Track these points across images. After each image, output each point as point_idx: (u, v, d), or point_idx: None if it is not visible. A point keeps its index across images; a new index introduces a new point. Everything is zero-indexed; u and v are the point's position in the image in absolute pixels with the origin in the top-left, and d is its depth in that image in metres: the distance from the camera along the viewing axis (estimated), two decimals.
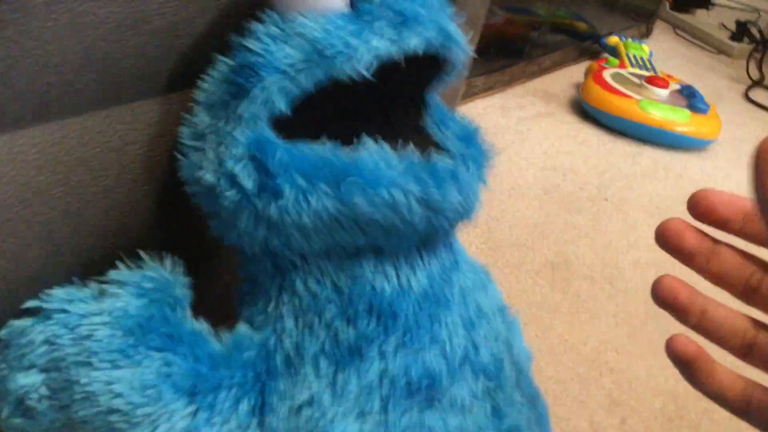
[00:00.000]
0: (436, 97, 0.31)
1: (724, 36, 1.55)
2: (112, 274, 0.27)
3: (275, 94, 0.24)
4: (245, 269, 0.30)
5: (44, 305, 0.26)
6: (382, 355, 0.27)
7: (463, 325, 0.29)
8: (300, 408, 0.26)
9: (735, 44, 1.52)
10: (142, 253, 0.28)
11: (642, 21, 1.43)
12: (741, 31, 1.53)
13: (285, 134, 0.25)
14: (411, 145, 0.26)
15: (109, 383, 0.25)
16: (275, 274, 0.28)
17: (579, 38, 1.20)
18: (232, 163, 0.25)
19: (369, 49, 0.24)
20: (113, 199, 0.30)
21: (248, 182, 0.25)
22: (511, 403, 0.29)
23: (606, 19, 1.27)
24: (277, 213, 0.25)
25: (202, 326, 0.28)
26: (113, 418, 0.25)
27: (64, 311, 0.26)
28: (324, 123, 0.26)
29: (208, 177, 0.26)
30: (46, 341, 0.25)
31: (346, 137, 0.26)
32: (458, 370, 0.28)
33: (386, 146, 0.25)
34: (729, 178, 0.96)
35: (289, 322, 0.28)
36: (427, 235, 0.27)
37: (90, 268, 0.29)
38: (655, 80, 1.03)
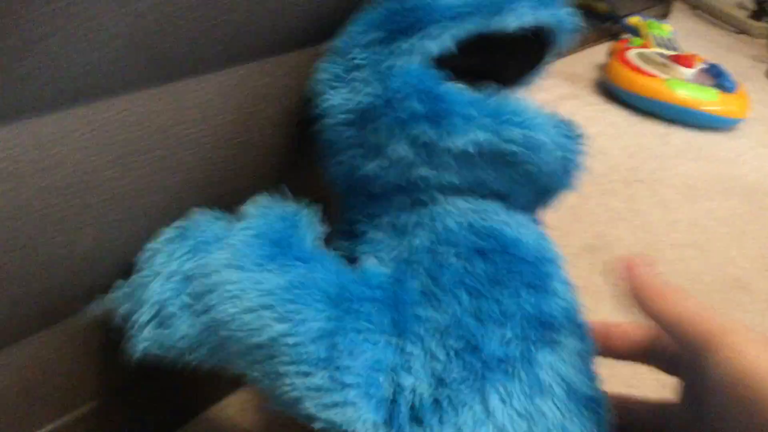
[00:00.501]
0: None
1: (743, 15, 1.52)
2: (251, 206, 0.28)
3: (443, 35, 0.27)
4: (364, 211, 0.31)
5: (186, 225, 0.28)
6: (516, 293, 0.27)
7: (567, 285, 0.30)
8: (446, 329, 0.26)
9: (755, 23, 1.49)
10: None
11: (660, 1, 1.40)
12: (761, 10, 1.49)
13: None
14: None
15: (258, 282, 0.25)
16: (411, 209, 0.29)
17: (599, 19, 1.17)
18: (400, 84, 0.26)
19: (530, 11, 0.27)
20: (166, 180, 0.28)
21: (417, 105, 0.26)
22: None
23: (624, 1, 1.25)
24: (438, 136, 0.26)
25: (336, 257, 0.28)
26: (264, 313, 0.24)
27: (206, 231, 0.27)
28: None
29: (365, 99, 0.27)
30: (193, 249, 0.26)
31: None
32: (573, 322, 0.28)
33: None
34: (760, 158, 0.94)
35: (425, 257, 0.28)
36: (543, 195, 0.30)
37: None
38: (681, 59, 1.01)
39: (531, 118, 0.26)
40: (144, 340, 0.26)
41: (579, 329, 0.28)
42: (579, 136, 0.29)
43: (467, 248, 0.27)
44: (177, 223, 0.28)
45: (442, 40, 0.26)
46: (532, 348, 0.26)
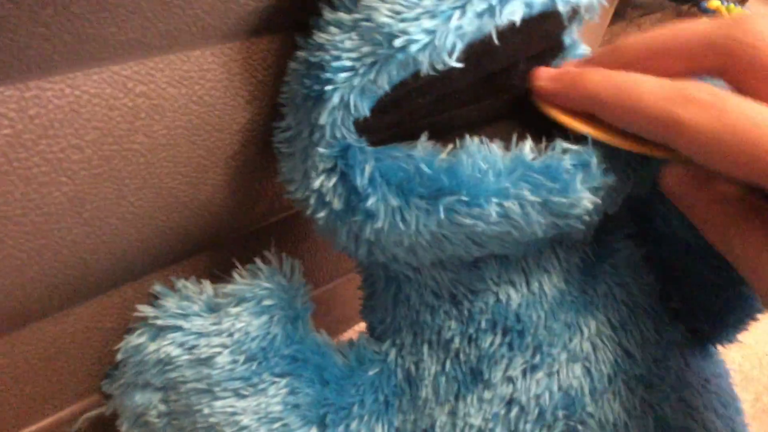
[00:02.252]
0: (574, 41, 0.25)
1: None
2: (229, 288, 0.26)
3: (351, 96, 0.20)
4: (362, 273, 0.28)
5: (158, 322, 0.25)
6: (509, 379, 0.23)
7: (612, 328, 0.24)
8: None
9: None
10: (258, 262, 0.26)
11: None
12: None
13: (373, 136, 0.21)
14: (527, 139, 0.20)
15: (233, 414, 0.24)
16: (388, 285, 0.26)
17: (678, 1, 1.13)
18: (318, 181, 0.22)
19: (450, 32, 0.19)
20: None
21: (337, 203, 0.21)
22: (674, 407, 0.24)
23: None
24: (373, 234, 0.21)
25: (323, 338, 0.27)
26: None
27: (179, 328, 0.25)
28: (421, 111, 0.22)
29: (298, 194, 0.23)
30: (160, 361, 0.25)
31: (448, 128, 0.22)
32: (608, 387, 0.23)
33: (491, 146, 0.20)
34: None
35: (408, 338, 0.25)
36: (561, 236, 0.23)
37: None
38: None
39: (478, 186, 0.20)
40: None
41: (627, 383, 0.24)
42: (561, 172, 0.21)
43: (452, 332, 0.25)
44: (150, 312, 0.26)
45: (355, 103, 0.20)
46: None
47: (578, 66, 0.21)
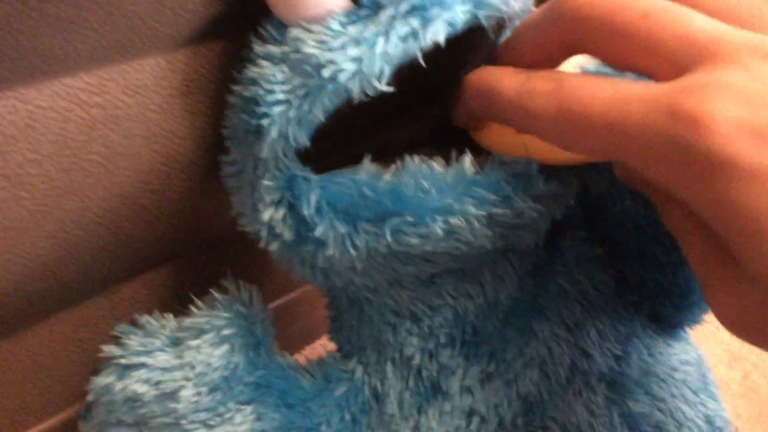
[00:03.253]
0: None
1: None
2: (188, 321, 0.26)
3: (289, 128, 0.20)
4: (327, 296, 0.28)
5: (122, 361, 0.25)
6: (467, 390, 0.24)
7: (566, 329, 0.24)
8: None
9: None
10: (213, 292, 0.26)
11: None
12: None
13: (318, 164, 0.22)
14: (467, 153, 0.20)
15: None
16: (351, 306, 0.26)
17: None
18: (267, 214, 0.22)
19: (376, 58, 0.19)
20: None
21: (287, 234, 0.22)
22: (640, 400, 0.25)
23: None
24: (326, 262, 0.22)
25: (287, 360, 0.27)
26: None
27: (144, 365, 0.25)
28: (362, 134, 0.22)
29: (250, 227, 0.23)
30: (129, 399, 0.25)
31: (391, 148, 0.22)
32: (567, 388, 0.24)
33: (431, 164, 0.20)
34: None
35: (372, 356, 0.26)
36: (512, 244, 0.22)
37: None
38: None
39: (421, 205, 0.20)
40: None
41: (586, 381, 0.24)
42: (502, 184, 0.20)
43: (413, 348, 0.25)
44: (115, 352, 0.26)
45: (293, 134, 0.20)
46: None
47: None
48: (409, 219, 0.20)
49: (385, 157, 0.21)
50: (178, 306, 0.31)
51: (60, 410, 0.33)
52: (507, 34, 0.23)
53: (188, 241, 0.31)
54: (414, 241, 0.20)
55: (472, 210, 0.19)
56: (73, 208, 0.24)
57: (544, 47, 0.18)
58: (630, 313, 0.25)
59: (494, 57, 0.21)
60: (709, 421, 0.25)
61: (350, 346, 0.27)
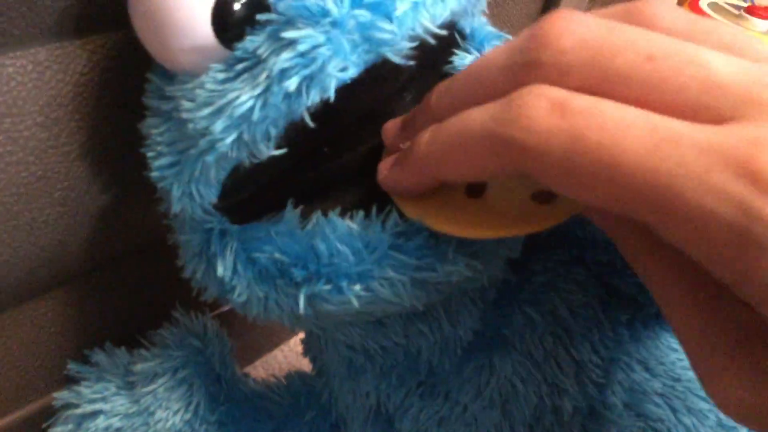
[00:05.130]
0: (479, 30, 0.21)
1: None
2: (139, 367, 0.25)
3: (191, 187, 0.18)
4: None
5: (77, 410, 0.25)
6: (424, 431, 0.22)
7: (533, 365, 0.21)
8: None
9: None
10: (162, 330, 0.26)
11: None
12: None
13: (238, 212, 0.19)
14: (391, 207, 0.18)
15: None
16: (312, 334, 0.25)
17: None
18: (190, 268, 0.21)
19: (255, 125, 0.16)
20: None
21: (212, 290, 0.20)
22: (629, 424, 0.22)
23: None
24: (259, 317, 0.20)
25: (250, 387, 0.26)
26: None
27: (101, 412, 0.24)
28: (283, 177, 0.19)
29: (187, 272, 0.22)
30: None
31: (318, 187, 0.19)
32: (535, 425, 0.21)
33: (349, 222, 0.18)
34: None
35: (336, 383, 0.24)
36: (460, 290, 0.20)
37: None
38: (755, 10, 0.89)
39: (338, 271, 0.18)
40: None
41: (557, 417, 0.22)
42: (431, 245, 0.18)
43: (368, 385, 0.24)
44: (70, 399, 0.25)
45: (197, 193, 0.18)
46: None
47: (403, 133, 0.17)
48: (325, 287, 0.17)
49: (312, 197, 0.19)
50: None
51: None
52: (473, 15, 0.20)
53: (127, 244, 0.29)
54: (330, 308, 0.18)
55: (394, 275, 0.17)
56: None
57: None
58: (619, 329, 0.22)
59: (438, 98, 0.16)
60: (721, 424, 0.22)
61: (319, 365, 0.26)
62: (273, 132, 0.16)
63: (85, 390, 0.25)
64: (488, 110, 0.13)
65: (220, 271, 0.19)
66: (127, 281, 0.31)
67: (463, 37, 0.20)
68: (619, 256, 0.21)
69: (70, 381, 0.27)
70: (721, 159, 0.10)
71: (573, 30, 0.12)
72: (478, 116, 0.13)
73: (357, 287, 0.17)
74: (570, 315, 0.21)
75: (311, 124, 0.16)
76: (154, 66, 0.20)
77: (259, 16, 0.16)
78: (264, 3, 0.16)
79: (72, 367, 0.26)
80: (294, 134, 0.17)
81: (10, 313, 0.27)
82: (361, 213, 0.17)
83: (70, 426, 0.25)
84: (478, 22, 0.21)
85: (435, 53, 0.19)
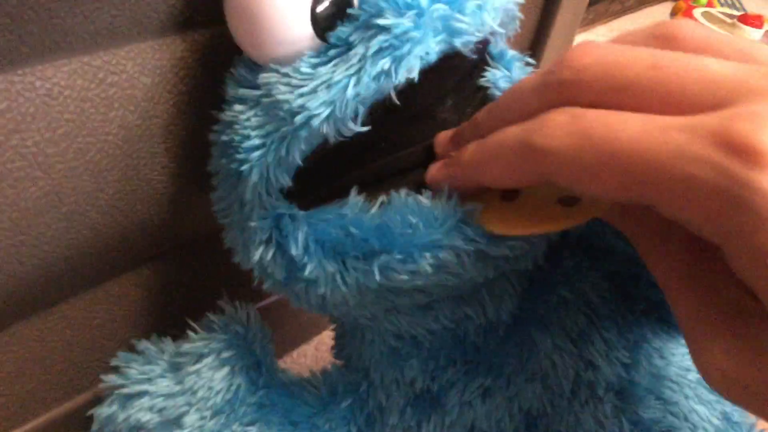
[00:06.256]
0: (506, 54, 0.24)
1: None
2: (186, 347, 0.26)
3: (269, 170, 0.20)
4: (330, 319, 0.29)
5: (124, 390, 0.26)
6: (468, 404, 0.23)
7: (570, 341, 0.23)
8: None
9: None
10: (210, 315, 0.27)
11: None
12: None
13: (304, 200, 0.21)
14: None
15: None
16: (354, 331, 0.26)
17: None
18: (257, 254, 0.21)
19: (348, 101, 0.18)
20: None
21: (279, 273, 0.21)
22: (651, 406, 0.24)
23: None
24: (317, 299, 0.21)
25: (288, 376, 0.27)
26: None
27: (146, 392, 0.25)
28: (348, 167, 0.21)
29: (243, 264, 0.23)
30: (133, 428, 0.25)
31: (379, 177, 0.21)
32: (573, 401, 0.23)
33: (417, 198, 0.19)
34: None
35: (376, 376, 0.25)
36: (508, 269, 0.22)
37: None
38: (748, 19, 0.91)
39: (410, 242, 0.19)
40: None
41: (593, 392, 0.24)
42: None
43: (414, 371, 0.25)
44: (118, 381, 0.26)
45: (274, 176, 0.20)
46: None
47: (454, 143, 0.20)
48: (398, 256, 0.19)
49: (374, 187, 0.21)
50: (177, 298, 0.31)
51: (72, 397, 0.33)
52: (494, 45, 0.23)
53: (186, 234, 0.31)
54: (403, 277, 0.19)
55: (462, 245, 0.19)
56: (88, 189, 0.24)
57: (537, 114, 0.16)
58: (638, 318, 0.24)
59: (474, 124, 0.20)
60: (726, 417, 0.25)
61: (356, 363, 0.27)
62: (361, 110, 0.19)
63: (131, 371, 0.26)
64: (521, 126, 0.16)
65: (293, 250, 0.20)
66: (174, 276, 0.32)
67: (492, 57, 0.23)
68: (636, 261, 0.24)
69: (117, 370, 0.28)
70: (702, 132, 0.12)
71: (591, 52, 0.15)
72: (513, 132, 0.16)
73: (428, 255, 0.19)
74: (598, 298, 0.23)
75: (397, 101, 0.19)
76: (237, 60, 0.22)
77: (350, 10, 0.19)
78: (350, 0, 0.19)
79: (119, 358, 0.27)
80: (370, 121, 0.19)
81: (59, 307, 0.28)
82: (428, 191, 0.20)
83: (114, 407, 0.25)
84: (502, 46, 0.24)
85: (473, 67, 0.22)
